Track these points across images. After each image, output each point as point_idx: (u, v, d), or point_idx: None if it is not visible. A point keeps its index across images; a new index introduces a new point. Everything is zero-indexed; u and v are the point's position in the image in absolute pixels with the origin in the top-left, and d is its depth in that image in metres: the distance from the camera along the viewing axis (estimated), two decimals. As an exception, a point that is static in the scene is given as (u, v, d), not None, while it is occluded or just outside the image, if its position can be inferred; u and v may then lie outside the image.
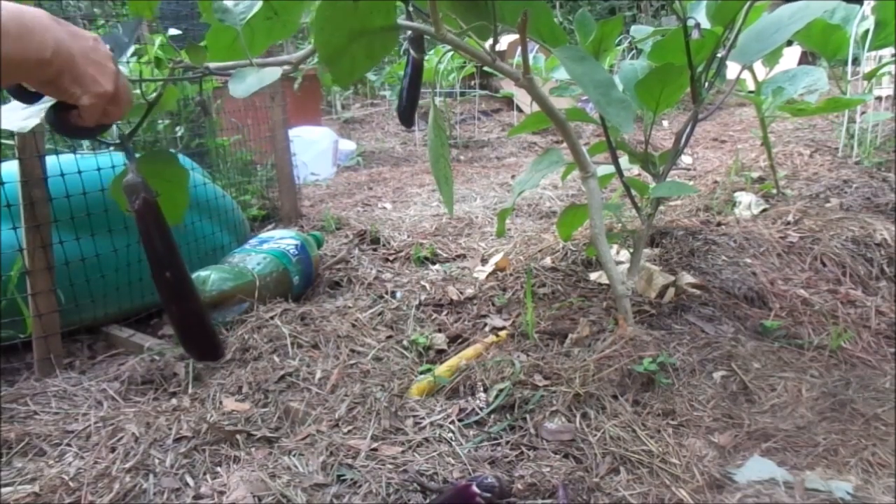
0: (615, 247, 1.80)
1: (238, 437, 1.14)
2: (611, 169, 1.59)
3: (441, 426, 1.15)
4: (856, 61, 2.47)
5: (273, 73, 0.95)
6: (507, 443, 1.10)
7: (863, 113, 2.54)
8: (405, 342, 1.48)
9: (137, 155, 0.90)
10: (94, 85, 0.63)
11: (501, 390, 1.21)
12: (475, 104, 5.05)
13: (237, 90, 0.92)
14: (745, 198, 2.12)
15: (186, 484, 1.05)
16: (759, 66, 2.18)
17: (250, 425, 1.18)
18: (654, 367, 1.23)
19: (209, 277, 1.59)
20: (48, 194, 1.42)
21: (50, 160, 1.46)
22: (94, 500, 0.99)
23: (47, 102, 0.72)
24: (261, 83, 0.93)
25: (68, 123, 0.70)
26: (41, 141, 1.40)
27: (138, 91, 0.96)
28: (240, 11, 1.02)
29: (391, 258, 2.10)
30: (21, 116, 0.79)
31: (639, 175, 2.48)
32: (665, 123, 4.37)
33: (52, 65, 0.58)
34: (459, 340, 1.49)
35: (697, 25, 1.33)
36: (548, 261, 1.81)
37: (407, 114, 1.36)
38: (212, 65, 1.04)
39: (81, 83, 0.62)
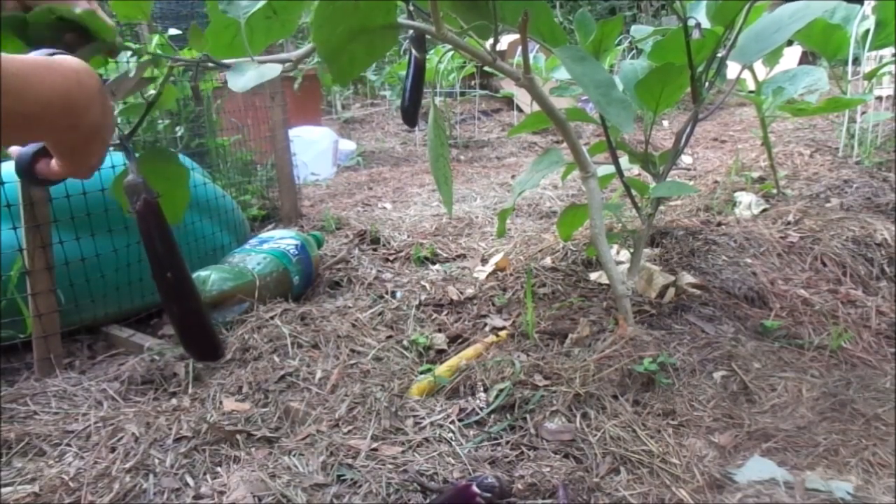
0: (615, 247, 1.80)
1: (238, 437, 1.14)
2: (611, 169, 1.59)
3: (441, 426, 1.15)
4: (856, 61, 2.47)
5: (273, 69, 0.94)
6: (508, 443, 1.10)
7: (863, 113, 2.54)
8: (405, 342, 1.48)
9: (137, 154, 0.90)
10: (86, 157, 0.65)
11: (501, 390, 1.21)
12: (475, 104, 5.05)
13: (236, 84, 0.92)
14: (745, 198, 2.12)
15: (186, 484, 1.04)
16: (759, 66, 2.18)
17: (250, 425, 1.18)
18: (655, 367, 1.23)
19: (209, 277, 1.59)
20: (48, 194, 1.42)
21: (50, 160, 1.46)
22: (94, 500, 0.99)
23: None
24: (260, 78, 0.92)
25: (35, 171, 0.69)
26: (41, 141, 1.40)
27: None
28: (245, 4, 1.02)
29: (391, 258, 2.10)
30: None
31: (639, 175, 2.48)
32: (665, 123, 4.37)
33: (77, 133, 0.60)
34: (459, 340, 1.49)
35: (698, 25, 1.32)
36: (548, 261, 1.81)
37: (410, 113, 1.35)
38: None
39: (79, 153, 0.64)
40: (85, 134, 0.60)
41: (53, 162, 0.66)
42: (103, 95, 0.61)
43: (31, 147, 0.70)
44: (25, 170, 0.70)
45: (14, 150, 0.71)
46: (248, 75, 0.92)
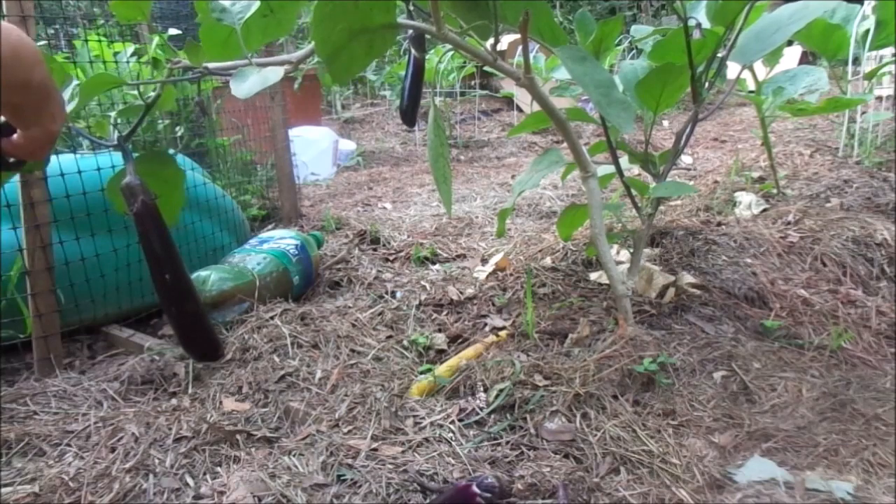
0: (615, 247, 1.80)
1: (238, 437, 1.14)
2: (611, 169, 1.59)
3: (441, 426, 1.15)
4: (856, 61, 2.47)
5: (276, 73, 0.94)
6: (508, 443, 1.10)
7: (863, 113, 2.53)
8: (405, 342, 1.48)
9: (135, 155, 0.90)
10: (50, 122, 0.67)
11: (501, 390, 1.21)
12: (475, 104, 5.04)
13: (240, 90, 0.92)
14: (745, 198, 2.11)
15: (186, 484, 1.04)
16: (759, 66, 2.18)
17: (250, 425, 1.18)
18: (655, 367, 1.23)
19: (209, 277, 1.59)
20: (48, 194, 1.42)
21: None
22: (94, 500, 0.99)
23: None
24: (264, 83, 0.92)
25: None
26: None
27: (136, 92, 0.96)
28: (238, 11, 1.02)
29: (391, 258, 2.10)
30: None
31: (639, 175, 2.48)
32: (665, 123, 4.37)
33: (32, 92, 0.62)
34: (459, 340, 1.49)
35: (698, 25, 1.32)
36: (548, 261, 1.81)
37: (409, 113, 1.36)
38: (211, 65, 1.04)
39: (40, 116, 0.66)
40: (39, 92, 0.62)
41: (15, 136, 0.67)
42: (41, 55, 0.62)
43: None
44: None
45: None
46: (250, 81, 0.92)
